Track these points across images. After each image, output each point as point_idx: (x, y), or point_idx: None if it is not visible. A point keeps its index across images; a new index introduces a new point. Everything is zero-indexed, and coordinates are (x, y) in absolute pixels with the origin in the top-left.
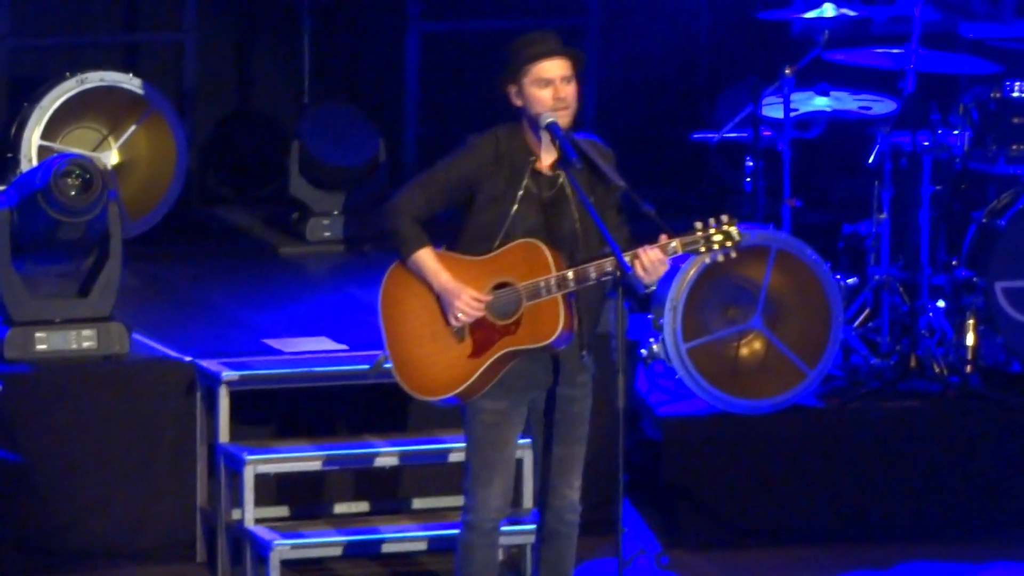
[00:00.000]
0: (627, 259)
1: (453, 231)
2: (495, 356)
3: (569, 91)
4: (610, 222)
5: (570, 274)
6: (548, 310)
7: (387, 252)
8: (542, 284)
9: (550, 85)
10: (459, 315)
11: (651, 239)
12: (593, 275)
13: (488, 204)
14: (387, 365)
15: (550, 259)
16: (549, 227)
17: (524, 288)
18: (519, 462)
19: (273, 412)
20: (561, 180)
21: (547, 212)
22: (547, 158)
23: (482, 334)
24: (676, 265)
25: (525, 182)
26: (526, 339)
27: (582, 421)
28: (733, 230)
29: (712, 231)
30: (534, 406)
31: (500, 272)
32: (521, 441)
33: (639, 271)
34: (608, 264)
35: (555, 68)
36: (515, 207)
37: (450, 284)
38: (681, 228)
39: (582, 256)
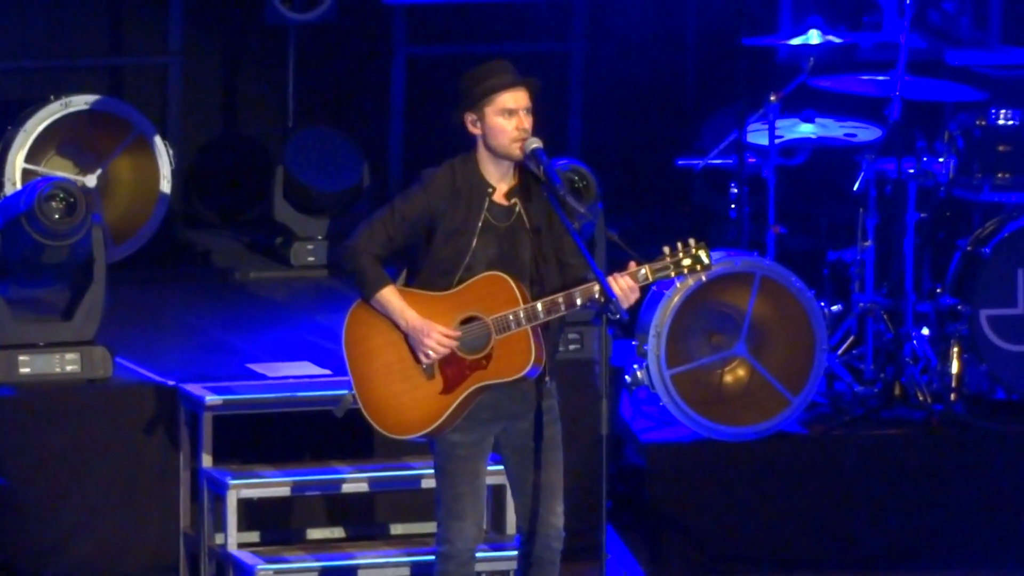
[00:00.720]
0: (597, 291)
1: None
2: (467, 391)
3: (530, 121)
4: (569, 247)
5: (539, 306)
6: (518, 343)
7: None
8: (511, 317)
9: (514, 115)
10: (429, 352)
11: (620, 267)
12: (564, 306)
13: (448, 237)
14: (354, 405)
15: (516, 292)
16: (509, 257)
17: (493, 322)
18: (502, 488)
19: (256, 436)
20: (517, 209)
21: (506, 242)
22: (503, 187)
23: (452, 370)
24: (660, 291)
25: (484, 213)
26: (498, 373)
27: (555, 446)
28: (702, 253)
29: (680, 255)
30: (503, 436)
31: (467, 306)
32: (495, 468)
33: (616, 297)
34: (578, 294)
35: (518, 99)
36: (476, 239)
37: (417, 322)
38: (656, 253)
39: (541, 285)
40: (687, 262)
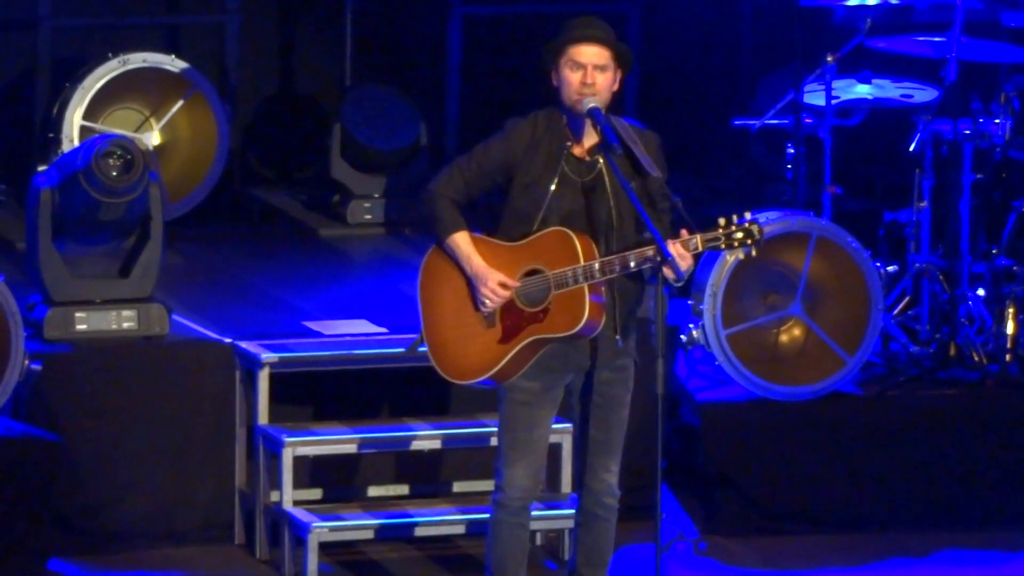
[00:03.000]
0: (651, 252)
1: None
2: (523, 343)
3: (600, 79)
4: (648, 210)
5: (596, 265)
6: (574, 300)
7: (427, 236)
8: (569, 274)
9: (581, 69)
10: (486, 300)
11: (674, 233)
12: (618, 268)
13: (525, 188)
14: (422, 348)
15: (579, 248)
16: (586, 213)
17: (553, 277)
18: (558, 447)
19: (312, 394)
20: (599, 166)
21: (584, 198)
22: (585, 143)
23: (511, 320)
24: (718, 252)
25: (562, 167)
26: (552, 327)
27: (620, 405)
28: (755, 228)
29: (734, 228)
30: (573, 389)
31: (532, 259)
32: (561, 426)
33: (674, 262)
34: (633, 257)
35: (590, 54)
36: (552, 192)
37: (480, 269)
38: (716, 213)
39: (617, 242)
40: (739, 235)
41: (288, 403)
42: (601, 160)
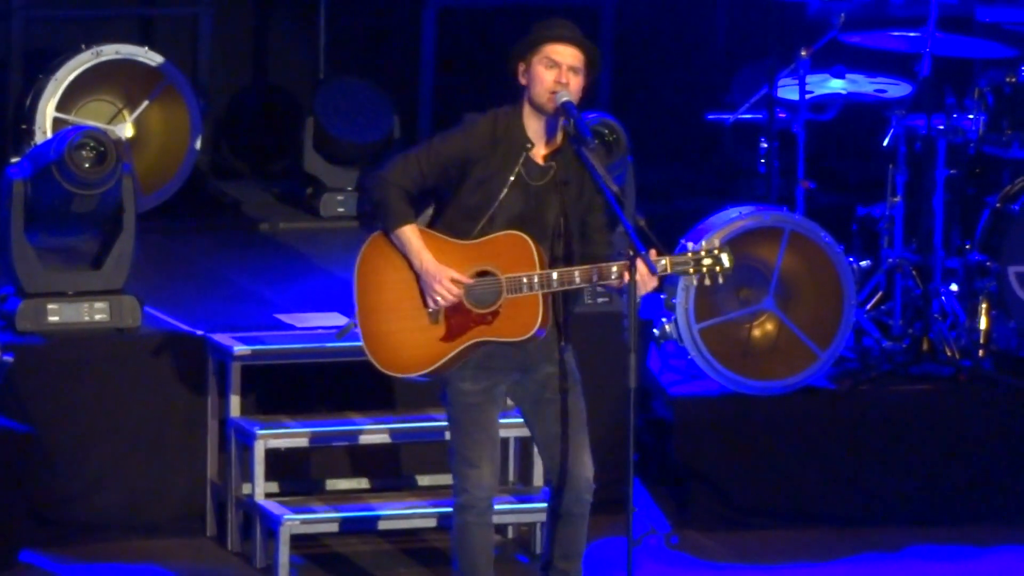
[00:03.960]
0: (615, 272)
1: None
2: (466, 343)
3: (572, 80)
4: (596, 223)
5: (555, 275)
6: (527, 306)
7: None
8: (525, 280)
9: (555, 68)
10: (437, 298)
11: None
12: (579, 280)
13: (478, 185)
14: (355, 334)
15: (535, 256)
16: (534, 215)
17: (506, 280)
18: (527, 440)
19: (284, 387)
20: (552, 171)
21: (534, 200)
22: (542, 146)
23: (457, 320)
24: (687, 246)
25: (518, 168)
26: (501, 332)
27: (575, 397)
28: (724, 256)
29: (703, 255)
30: (518, 388)
31: (484, 260)
32: (516, 420)
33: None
34: (596, 273)
35: (566, 54)
36: (504, 192)
37: (431, 266)
38: (689, 207)
39: (563, 249)
40: (707, 262)
41: (260, 395)
42: (555, 165)
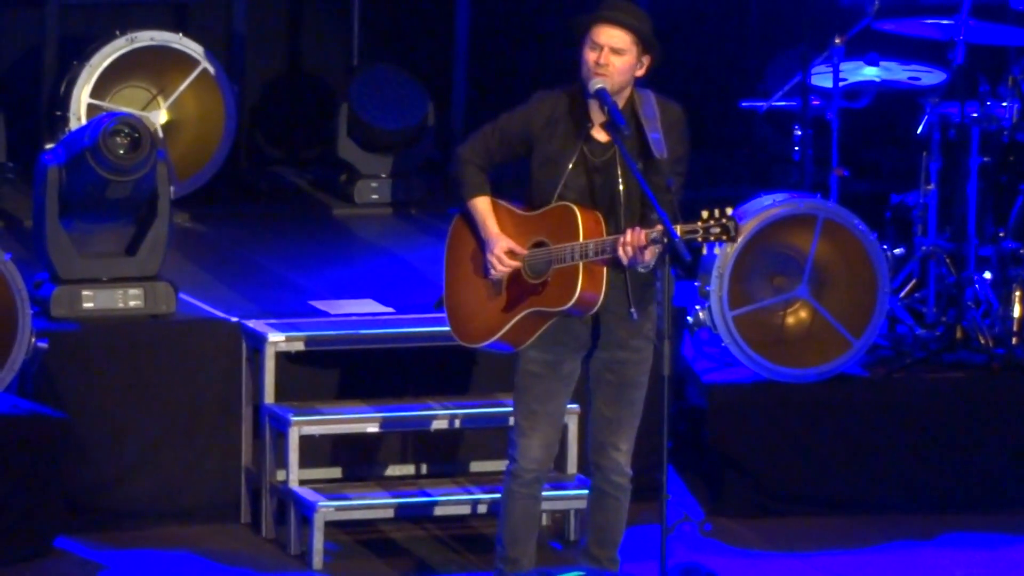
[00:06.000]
0: (611, 240)
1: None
2: (522, 313)
3: (614, 62)
4: (657, 189)
5: (591, 245)
6: (570, 276)
7: (434, 215)
8: (567, 250)
9: (597, 49)
10: (492, 267)
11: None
12: (610, 251)
13: (543, 163)
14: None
15: (580, 226)
16: (597, 192)
17: (555, 251)
18: (564, 428)
19: (318, 373)
20: (614, 147)
21: (597, 177)
22: (603, 123)
23: (515, 290)
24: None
25: (579, 146)
26: (548, 301)
27: (634, 386)
28: (731, 224)
29: (712, 223)
30: (591, 364)
31: (541, 231)
32: (569, 406)
33: (619, 251)
34: (608, 246)
35: (608, 35)
36: (568, 169)
37: (492, 234)
38: (723, 195)
39: (628, 222)
40: (716, 231)
41: (294, 381)
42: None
